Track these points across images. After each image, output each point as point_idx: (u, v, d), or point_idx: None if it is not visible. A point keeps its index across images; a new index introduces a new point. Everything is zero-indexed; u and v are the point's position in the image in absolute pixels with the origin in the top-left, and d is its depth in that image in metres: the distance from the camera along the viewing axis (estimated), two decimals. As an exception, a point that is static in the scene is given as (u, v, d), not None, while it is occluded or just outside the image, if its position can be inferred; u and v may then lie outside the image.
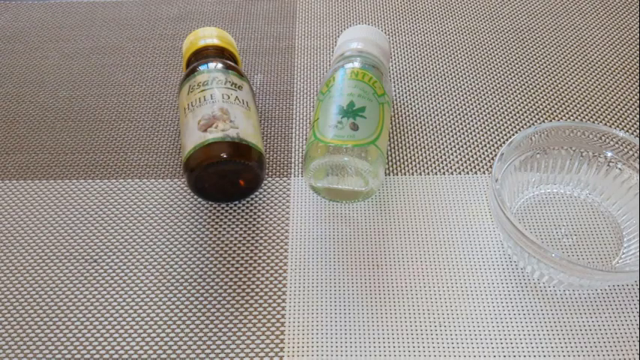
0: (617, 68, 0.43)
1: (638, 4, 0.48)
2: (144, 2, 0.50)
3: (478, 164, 0.37)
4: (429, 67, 0.43)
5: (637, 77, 0.42)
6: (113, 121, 0.40)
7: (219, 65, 0.36)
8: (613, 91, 0.41)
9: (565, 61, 0.44)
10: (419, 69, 0.43)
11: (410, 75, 0.43)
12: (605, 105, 0.40)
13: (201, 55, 0.37)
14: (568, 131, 0.34)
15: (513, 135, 0.39)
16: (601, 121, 0.39)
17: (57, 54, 0.45)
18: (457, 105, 0.41)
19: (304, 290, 0.32)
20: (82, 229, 0.35)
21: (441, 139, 0.39)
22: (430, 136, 0.39)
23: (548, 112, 0.40)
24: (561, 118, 0.40)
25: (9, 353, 0.30)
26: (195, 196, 0.36)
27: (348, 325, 0.30)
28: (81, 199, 0.36)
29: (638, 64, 0.43)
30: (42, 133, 0.40)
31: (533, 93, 0.41)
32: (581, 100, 0.41)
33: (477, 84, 0.42)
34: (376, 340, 0.30)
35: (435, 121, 0.40)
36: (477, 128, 0.39)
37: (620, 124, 0.39)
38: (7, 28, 0.48)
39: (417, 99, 0.41)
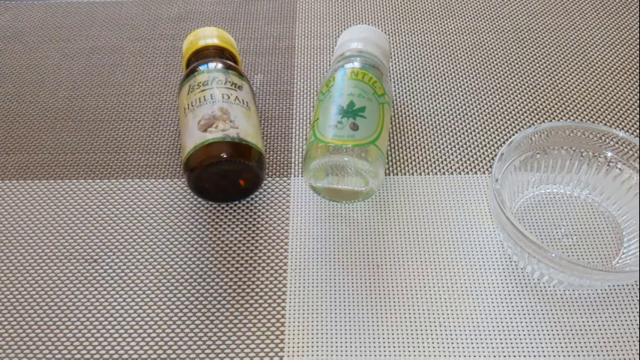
0: (617, 68, 0.43)
1: (638, 4, 0.48)
2: (144, 2, 0.50)
3: (478, 164, 0.37)
4: (429, 67, 0.43)
5: (637, 77, 0.42)
6: (113, 121, 0.40)
7: (219, 65, 0.36)
8: (613, 91, 0.41)
9: (565, 61, 0.44)
10: (419, 69, 0.43)
11: (410, 75, 0.43)
12: (605, 105, 0.40)
13: (201, 55, 0.37)
14: (568, 131, 0.34)
15: (513, 135, 0.39)
16: (601, 121, 0.39)
17: (57, 54, 0.45)
18: (457, 105, 0.41)
19: (304, 290, 0.32)
20: (82, 229, 0.35)
21: (441, 139, 0.39)
22: (430, 136, 0.39)
23: (548, 112, 0.40)
24: (561, 118, 0.40)
25: (9, 353, 0.30)
26: (195, 196, 0.36)
27: (348, 325, 0.30)
28: (81, 199, 0.36)
29: (638, 64, 0.43)
30: (42, 133, 0.40)
31: (533, 93, 0.41)
32: (581, 100, 0.41)
33: (477, 84, 0.42)
34: (376, 340, 0.30)
35: (435, 121, 0.40)
36: (477, 128, 0.39)
37: (620, 124, 0.39)
38: (7, 28, 0.48)
39: (417, 99, 0.41)
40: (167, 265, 0.33)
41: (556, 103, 0.41)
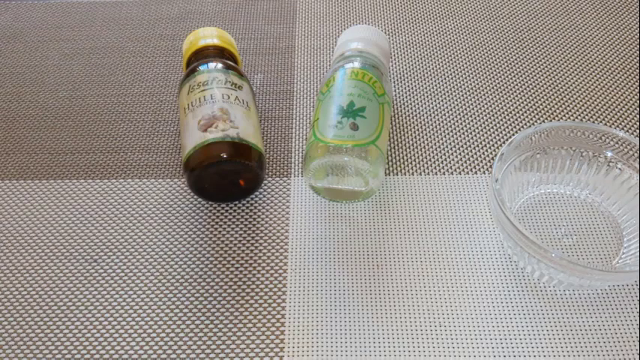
0: (617, 68, 0.43)
1: (638, 4, 0.48)
2: (144, 2, 0.50)
3: (478, 164, 0.37)
4: (429, 67, 0.43)
5: (637, 77, 0.42)
6: (113, 121, 0.40)
7: (219, 65, 0.36)
8: (613, 91, 0.41)
9: (565, 61, 0.44)
10: (419, 69, 0.43)
11: (410, 75, 0.43)
12: (605, 105, 0.40)
13: (202, 55, 0.37)
14: (568, 131, 0.34)
15: (513, 135, 0.39)
16: (601, 121, 0.39)
17: (57, 54, 0.45)
18: (457, 105, 0.41)
19: (304, 290, 0.32)
20: (82, 229, 0.35)
21: (441, 139, 0.39)
22: (430, 136, 0.39)
23: (548, 112, 0.40)
24: (561, 118, 0.40)
25: (9, 353, 0.30)
26: (195, 196, 0.36)
27: (348, 325, 0.30)
28: (81, 199, 0.36)
29: (638, 64, 0.43)
30: (42, 133, 0.40)
31: (533, 93, 0.41)
32: (581, 100, 0.41)
33: (477, 84, 0.42)
34: (376, 340, 0.30)
35: (435, 121, 0.40)
36: (477, 128, 0.39)
37: (620, 124, 0.39)
38: (7, 28, 0.48)
39: (417, 99, 0.41)
40: (167, 265, 0.33)
41: (556, 103, 0.41)
